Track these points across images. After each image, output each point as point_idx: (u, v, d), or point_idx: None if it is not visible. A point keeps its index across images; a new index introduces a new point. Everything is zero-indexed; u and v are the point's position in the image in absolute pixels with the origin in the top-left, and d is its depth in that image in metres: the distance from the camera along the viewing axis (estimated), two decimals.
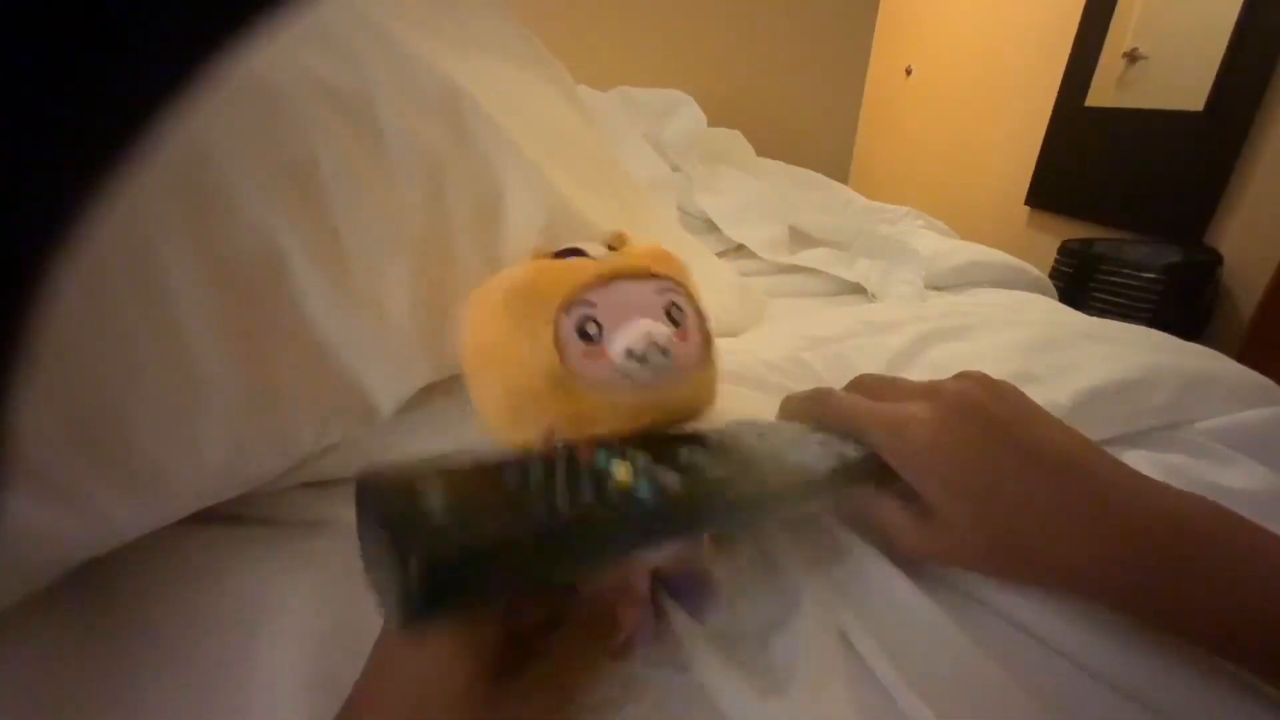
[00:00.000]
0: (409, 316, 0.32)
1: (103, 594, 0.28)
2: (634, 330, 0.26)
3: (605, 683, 0.25)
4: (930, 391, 0.30)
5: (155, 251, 0.24)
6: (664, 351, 0.26)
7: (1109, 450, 0.29)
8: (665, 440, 0.26)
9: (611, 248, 0.30)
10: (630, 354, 0.25)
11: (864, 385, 0.32)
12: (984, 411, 0.28)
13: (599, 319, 0.26)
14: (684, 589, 0.27)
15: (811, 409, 0.32)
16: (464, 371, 0.29)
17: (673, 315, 0.28)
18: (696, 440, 0.27)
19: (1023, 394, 0.31)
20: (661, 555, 0.25)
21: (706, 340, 0.29)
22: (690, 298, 0.29)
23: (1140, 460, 0.38)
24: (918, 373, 0.47)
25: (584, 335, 0.26)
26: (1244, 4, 1.48)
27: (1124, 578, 0.25)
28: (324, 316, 0.29)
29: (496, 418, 0.28)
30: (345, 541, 0.32)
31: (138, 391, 0.24)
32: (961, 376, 0.31)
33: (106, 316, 0.23)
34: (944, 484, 0.27)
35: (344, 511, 0.34)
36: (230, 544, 0.31)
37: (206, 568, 0.30)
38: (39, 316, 0.11)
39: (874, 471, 0.28)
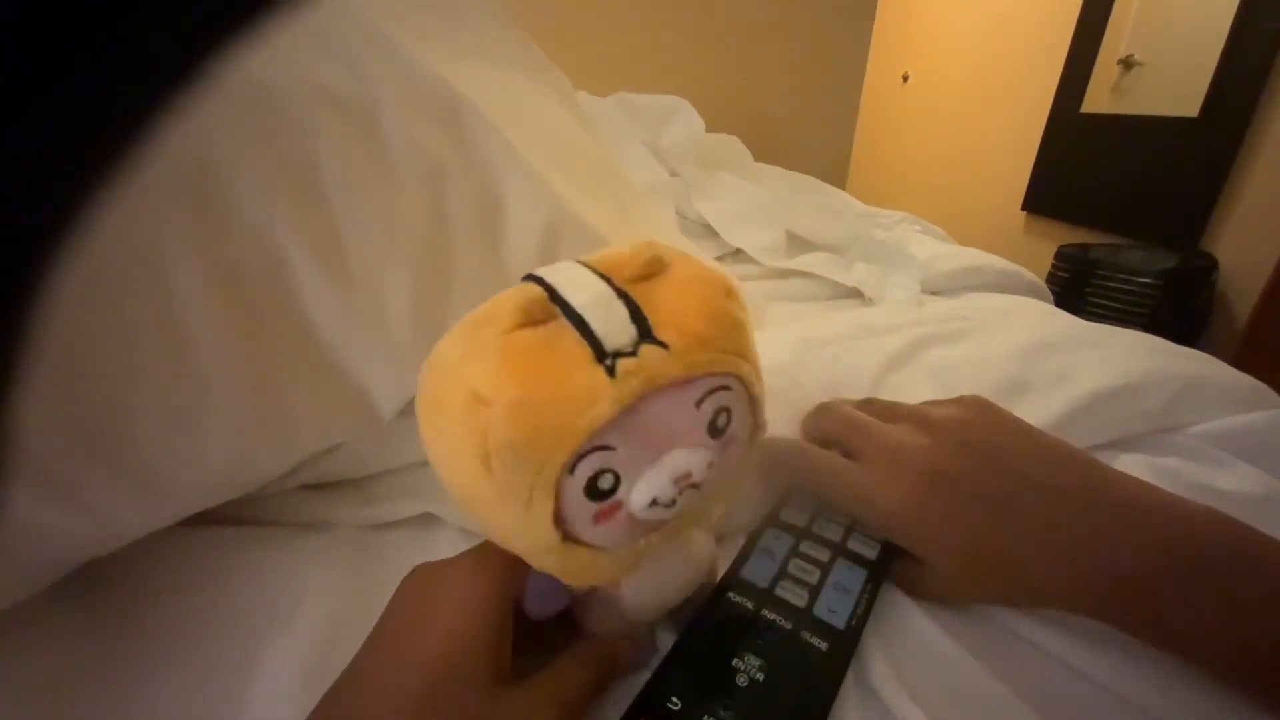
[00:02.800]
0: (409, 320, 0.32)
1: (104, 595, 0.28)
2: (663, 475, 0.19)
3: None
4: (891, 453, 0.30)
5: (159, 254, 0.24)
6: (697, 485, 0.20)
7: (1103, 455, 0.30)
8: (719, 658, 0.24)
9: (641, 275, 0.20)
10: (656, 503, 0.19)
11: (826, 427, 0.33)
12: (953, 470, 0.29)
13: (618, 468, 0.19)
14: None
15: (791, 475, 0.32)
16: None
17: (718, 423, 0.20)
18: (741, 640, 0.25)
19: (1006, 424, 0.31)
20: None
21: (756, 430, 0.23)
22: (744, 385, 0.21)
23: (1135, 464, 0.39)
24: (914, 375, 0.47)
25: (595, 492, 0.19)
26: (1238, 10, 1.50)
27: (1130, 605, 0.25)
28: (326, 319, 0.29)
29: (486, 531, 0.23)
30: (345, 542, 0.32)
31: (141, 392, 0.24)
32: (923, 426, 0.31)
33: (110, 318, 0.23)
34: (932, 549, 0.28)
35: (343, 513, 0.34)
36: (231, 544, 0.31)
37: (208, 568, 0.30)
38: (41, 316, 0.11)
39: (896, 554, 0.30)
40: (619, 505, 0.19)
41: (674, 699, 0.23)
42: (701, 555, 0.26)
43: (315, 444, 0.31)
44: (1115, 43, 1.83)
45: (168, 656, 0.26)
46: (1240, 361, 0.48)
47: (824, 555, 0.30)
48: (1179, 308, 1.52)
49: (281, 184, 0.27)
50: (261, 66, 0.27)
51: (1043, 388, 0.43)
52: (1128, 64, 1.80)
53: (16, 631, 0.26)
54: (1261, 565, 0.24)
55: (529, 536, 0.19)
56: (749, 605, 0.27)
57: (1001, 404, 0.33)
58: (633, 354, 0.18)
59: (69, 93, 0.09)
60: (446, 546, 0.33)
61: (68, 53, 0.09)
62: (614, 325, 0.19)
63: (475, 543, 0.29)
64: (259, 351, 0.27)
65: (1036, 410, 0.41)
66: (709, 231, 0.90)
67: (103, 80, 0.10)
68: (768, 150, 1.43)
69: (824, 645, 0.25)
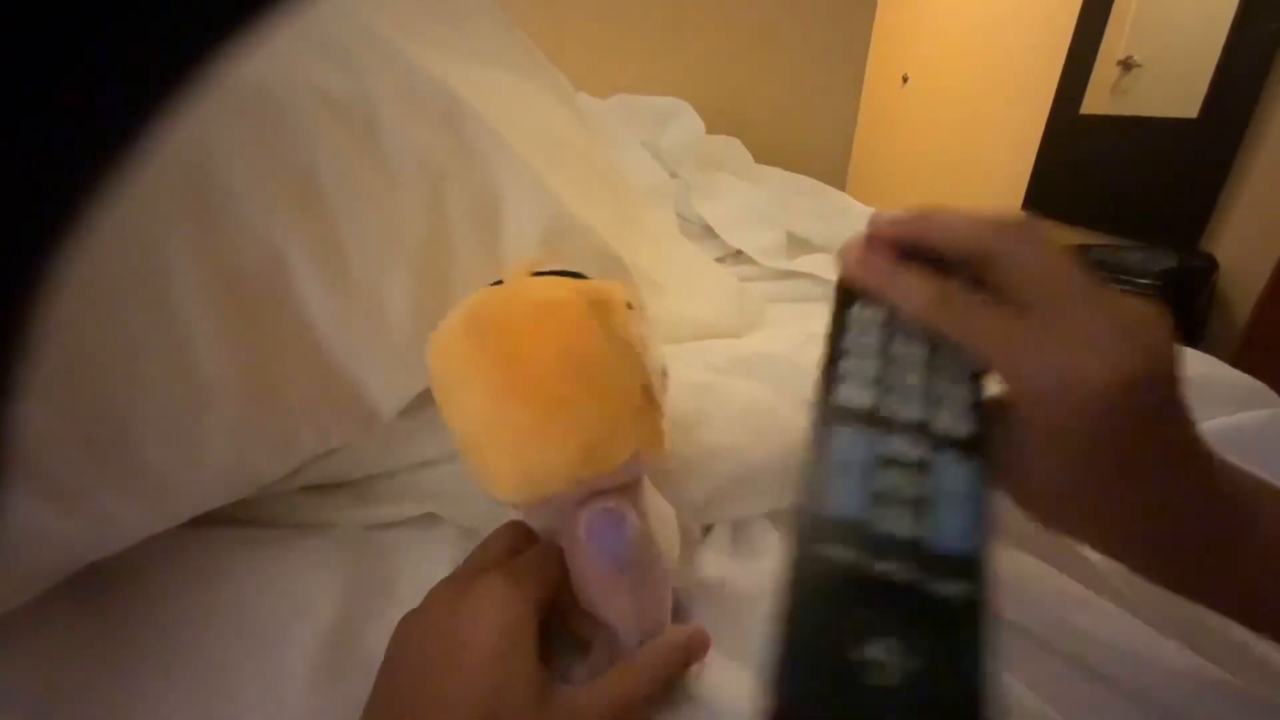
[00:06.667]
0: (409, 322, 0.32)
1: (106, 596, 0.28)
2: (660, 357, 0.26)
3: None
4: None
5: (160, 258, 0.24)
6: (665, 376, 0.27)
7: None
8: (838, 653, 0.16)
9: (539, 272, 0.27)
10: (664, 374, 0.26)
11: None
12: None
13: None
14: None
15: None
16: (531, 395, 0.22)
17: None
18: (857, 615, 0.17)
19: None
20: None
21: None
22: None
23: None
24: None
25: None
26: (1238, 11, 1.50)
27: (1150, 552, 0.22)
28: (326, 322, 0.29)
29: (572, 446, 0.22)
30: (347, 542, 0.32)
31: (142, 395, 0.24)
32: None
33: (111, 322, 0.23)
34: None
35: (344, 514, 0.34)
36: (232, 546, 0.31)
37: (210, 570, 0.30)
38: (40, 318, 0.11)
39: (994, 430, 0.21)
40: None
41: None
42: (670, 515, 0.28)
43: (315, 447, 0.31)
44: (1114, 44, 1.83)
45: (173, 658, 0.26)
46: (1240, 361, 0.48)
47: (916, 449, 0.20)
48: (1179, 308, 1.52)
49: (281, 188, 0.27)
50: (260, 71, 0.27)
51: None
52: (1127, 65, 1.80)
53: (20, 633, 0.26)
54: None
55: (641, 374, 0.24)
56: (851, 556, 0.18)
57: None
58: None
59: (67, 93, 0.09)
60: (447, 546, 0.33)
61: (66, 53, 0.09)
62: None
63: (475, 543, 0.29)
64: (259, 355, 0.27)
65: None
66: (709, 232, 0.89)
67: (101, 80, 0.10)
68: (767, 152, 1.43)
69: (959, 591, 0.18)
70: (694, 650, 0.26)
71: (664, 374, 0.28)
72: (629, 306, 0.26)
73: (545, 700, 0.21)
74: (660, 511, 0.27)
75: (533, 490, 0.23)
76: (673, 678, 0.25)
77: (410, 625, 0.24)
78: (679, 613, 0.29)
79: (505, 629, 0.22)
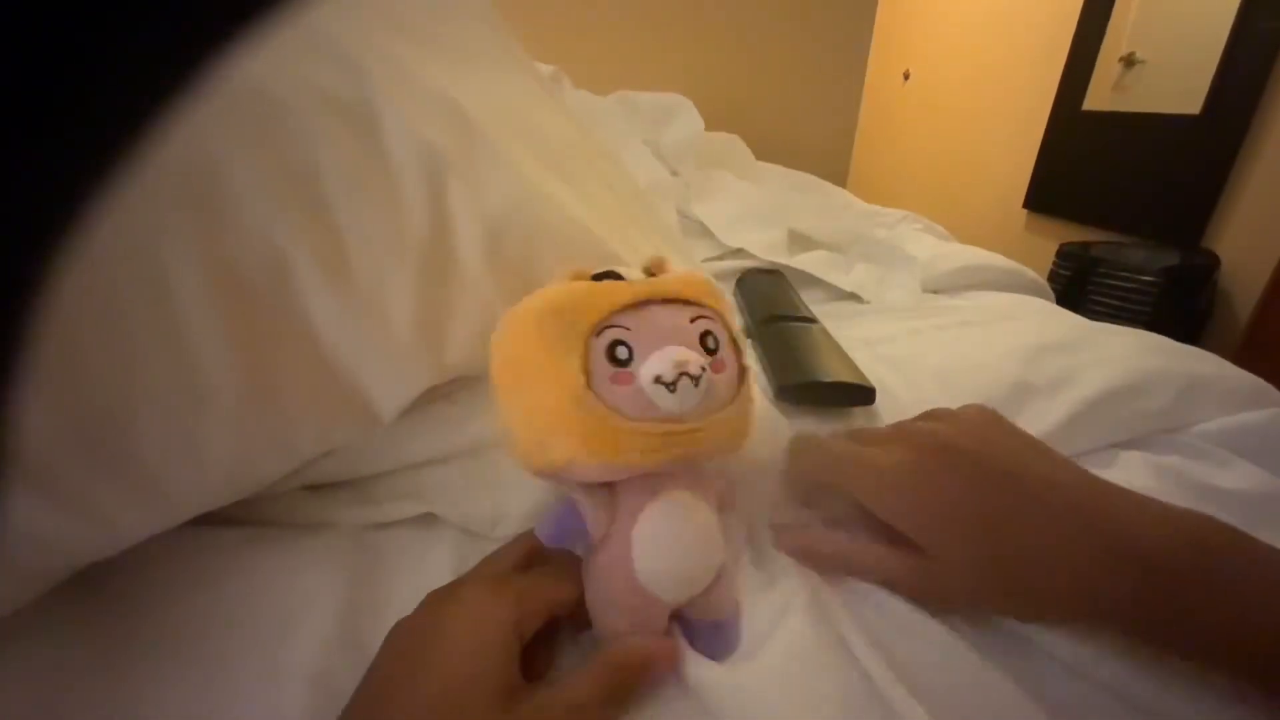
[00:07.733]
0: (410, 323, 0.32)
1: (106, 596, 0.28)
2: (665, 357, 0.24)
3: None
4: (900, 434, 0.31)
5: (161, 258, 0.24)
6: (695, 381, 0.25)
7: (1104, 454, 0.30)
8: None
9: (650, 273, 0.29)
10: (659, 380, 0.24)
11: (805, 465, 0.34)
12: (954, 448, 0.29)
13: (631, 343, 0.25)
14: (703, 631, 0.28)
15: (797, 463, 0.34)
16: (494, 389, 0.27)
17: (708, 344, 0.27)
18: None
19: (1003, 426, 0.31)
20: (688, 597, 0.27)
21: (742, 373, 0.28)
22: (727, 328, 0.28)
23: (1137, 463, 0.39)
24: (916, 379, 0.47)
25: (614, 359, 0.25)
26: (1240, 8, 1.49)
27: (1116, 605, 0.25)
28: (327, 323, 0.29)
29: (523, 439, 0.26)
30: (346, 542, 0.32)
31: (143, 396, 0.24)
32: (928, 416, 0.33)
33: (112, 322, 0.23)
34: (921, 518, 0.28)
35: (344, 513, 0.34)
36: (231, 545, 0.31)
37: (210, 569, 0.30)
38: (39, 318, 0.11)
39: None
40: (632, 376, 0.25)
41: None
42: (708, 525, 0.28)
43: (315, 447, 0.31)
44: (1117, 40, 1.83)
45: (173, 658, 0.26)
46: (1242, 359, 0.48)
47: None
48: (1181, 305, 1.52)
49: (283, 188, 0.27)
50: (262, 71, 0.27)
51: (1046, 390, 0.43)
52: (1129, 61, 1.79)
53: (20, 633, 0.26)
54: (1255, 564, 0.24)
55: (562, 381, 0.24)
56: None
57: (1005, 407, 0.33)
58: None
59: (68, 93, 0.09)
60: (447, 547, 0.33)
61: (67, 53, 0.09)
62: (637, 276, 0.28)
63: (475, 544, 0.29)
64: (260, 355, 0.27)
65: (1040, 414, 0.41)
66: (709, 230, 0.89)
67: (102, 80, 0.10)
68: (768, 149, 1.43)
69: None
70: (655, 664, 0.25)
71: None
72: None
73: (512, 704, 0.22)
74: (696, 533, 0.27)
75: (525, 464, 0.27)
76: (627, 690, 0.24)
77: (396, 629, 0.25)
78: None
79: (478, 630, 0.23)
